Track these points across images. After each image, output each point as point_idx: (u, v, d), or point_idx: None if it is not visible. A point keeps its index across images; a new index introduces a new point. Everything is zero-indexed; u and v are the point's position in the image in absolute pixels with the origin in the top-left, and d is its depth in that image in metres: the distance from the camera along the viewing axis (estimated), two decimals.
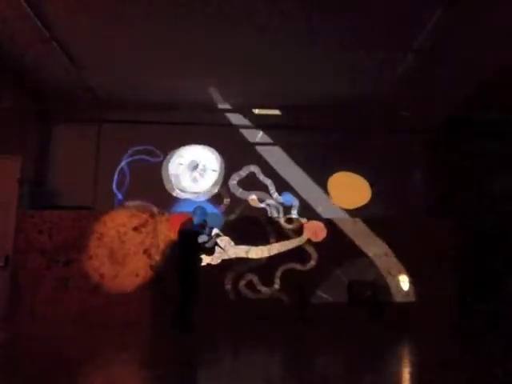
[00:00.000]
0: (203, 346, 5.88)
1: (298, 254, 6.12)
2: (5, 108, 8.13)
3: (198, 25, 6.70)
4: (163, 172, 6.74)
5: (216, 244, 6.28)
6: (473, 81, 7.86)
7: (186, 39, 7.07)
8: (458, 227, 8.36)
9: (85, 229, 8.11)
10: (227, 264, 6.32)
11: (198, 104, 9.05)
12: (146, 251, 8.08)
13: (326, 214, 7.52)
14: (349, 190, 8.17)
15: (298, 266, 5.85)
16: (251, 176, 6.34)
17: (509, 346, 6.33)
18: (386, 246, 6.92)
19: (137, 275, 8.00)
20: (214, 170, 6.29)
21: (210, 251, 6.36)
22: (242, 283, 5.82)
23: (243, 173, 6.04)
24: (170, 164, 6.39)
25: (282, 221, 6.12)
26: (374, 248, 6.55)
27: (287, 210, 6.11)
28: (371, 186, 7.46)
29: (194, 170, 6.35)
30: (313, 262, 5.89)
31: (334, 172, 8.85)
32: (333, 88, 8.45)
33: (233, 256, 5.74)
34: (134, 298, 7.90)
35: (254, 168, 6.14)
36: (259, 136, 6.89)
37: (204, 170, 6.02)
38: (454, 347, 6.52)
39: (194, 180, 6.09)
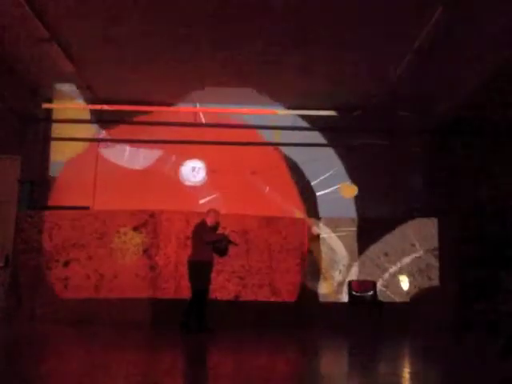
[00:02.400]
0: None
1: None
2: (5, 108, 8.14)
3: (199, 25, 6.70)
4: (179, 173, 9.22)
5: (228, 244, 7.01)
6: (473, 81, 7.86)
7: (186, 40, 7.07)
8: (457, 227, 8.37)
9: (85, 229, 8.11)
10: None
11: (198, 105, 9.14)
12: (145, 251, 8.08)
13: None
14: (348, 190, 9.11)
15: None
16: None
17: (509, 346, 6.32)
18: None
19: (137, 275, 8.00)
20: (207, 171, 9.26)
21: (224, 252, 6.97)
22: None
23: None
24: (182, 169, 9.21)
25: None
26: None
27: None
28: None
29: (194, 170, 9.11)
30: None
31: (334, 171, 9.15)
32: (332, 88, 8.46)
33: None
34: (133, 298, 7.90)
35: None
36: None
37: (198, 170, 9.06)
38: (453, 347, 6.52)
39: (194, 176, 9.08)
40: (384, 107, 8.80)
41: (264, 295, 8.09)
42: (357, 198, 9.16)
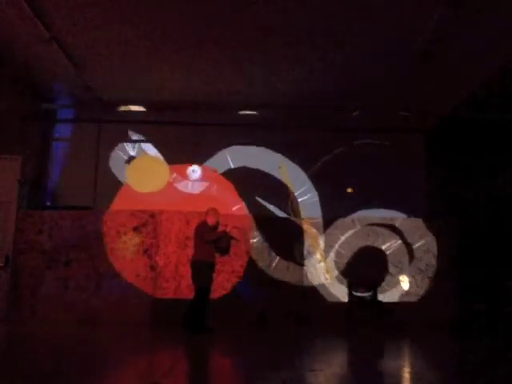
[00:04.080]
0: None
1: None
2: (5, 108, 8.14)
3: (199, 25, 6.71)
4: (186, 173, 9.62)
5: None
6: (473, 81, 7.86)
7: (186, 40, 7.08)
8: (457, 227, 8.37)
9: (85, 229, 8.11)
10: None
11: (198, 104, 9.13)
12: (146, 251, 8.08)
13: None
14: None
15: None
16: None
17: (509, 346, 6.33)
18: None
19: (137, 275, 8.00)
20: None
21: (226, 251, 6.95)
22: None
23: None
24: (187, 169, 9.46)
25: None
26: None
27: None
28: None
29: (193, 171, 9.48)
30: None
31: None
32: (333, 88, 8.47)
33: None
34: (133, 298, 7.90)
35: None
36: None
37: (196, 171, 9.47)
38: (453, 347, 6.52)
39: (193, 175, 9.51)
40: (384, 107, 8.80)
41: (264, 295, 8.08)
42: (357, 198, 9.18)
